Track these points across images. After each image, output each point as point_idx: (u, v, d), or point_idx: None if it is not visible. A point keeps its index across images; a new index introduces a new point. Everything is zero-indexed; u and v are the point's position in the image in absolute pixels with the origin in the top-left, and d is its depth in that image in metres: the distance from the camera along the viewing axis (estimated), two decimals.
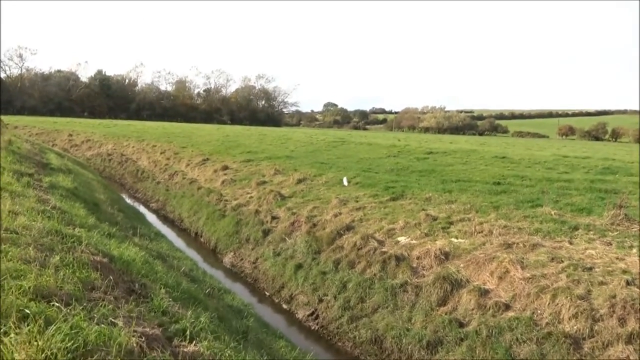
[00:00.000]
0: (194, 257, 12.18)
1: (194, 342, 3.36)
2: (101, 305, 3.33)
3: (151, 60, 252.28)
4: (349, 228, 11.53)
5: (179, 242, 14.78)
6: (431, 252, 9.47)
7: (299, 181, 16.89)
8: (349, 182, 15.68)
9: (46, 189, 9.90)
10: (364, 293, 9.32)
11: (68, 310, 2.98)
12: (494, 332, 7.30)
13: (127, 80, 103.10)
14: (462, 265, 9.05)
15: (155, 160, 27.56)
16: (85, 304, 3.26)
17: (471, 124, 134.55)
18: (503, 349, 6.99)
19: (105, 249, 5.54)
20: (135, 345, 2.82)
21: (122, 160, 30.69)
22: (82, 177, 15.95)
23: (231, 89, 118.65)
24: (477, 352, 7.18)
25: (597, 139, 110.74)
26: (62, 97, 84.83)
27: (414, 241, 10.29)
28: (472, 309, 7.97)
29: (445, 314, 8.07)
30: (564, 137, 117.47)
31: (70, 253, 4.39)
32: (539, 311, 7.44)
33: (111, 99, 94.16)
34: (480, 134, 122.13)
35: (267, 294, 11.14)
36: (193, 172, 22.71)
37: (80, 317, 2.89)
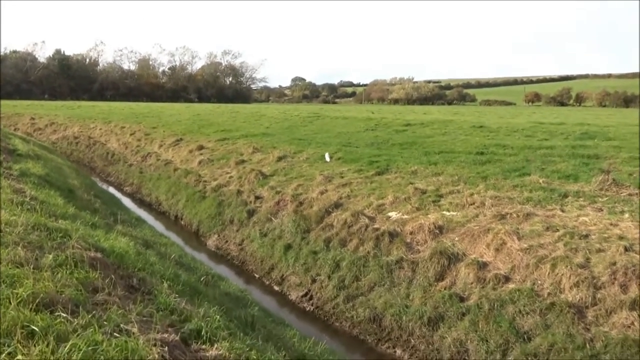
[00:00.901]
0: (177, 242, 11.76)
1: (214, 345, 3.07)
2: (110, 311, 2.99)
3: (112, 38, 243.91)
4: (337, 205, 11.29)
5: (158, 226, 14.29)
6: (425, 227, 9.32)
7: (280, 159, 16.51)
8: (331, 157, 15.39)
9: (17, 177, 9.31)
10: (359, 271, 9.14)
11: (77, 321, 2.64)
12: (495, 305, 7.22)
13: (87, 60, 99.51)
14: (456, 238, 8.94)
15: (125, 142, 26.65)
16: (91, 310, 2.92)
17: (440, 94, 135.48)
18: (507, 321, 6.92)
19: (95, 241, 5.14)
20: (157, 356, 2.51)
21: (89, 143, 29.63)
22: (52, 163, 15.20)
23: (197, 66, 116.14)
24: (480, 326, 7.10)
25: (562, 104, 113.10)
26: (20, 79, 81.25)
27: (405, 216, 10.13)
28: (472, 283, 7.87)
29: (445, 289, 7.96)
30: (530, 103, 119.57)
31: (62, 250, 4.00)
32: (539, 282, 7.39)
33: (72, 79, 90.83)
34: (449, 104, 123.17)
35: (257, 276, 10.86)
36: (167, 153, 22.02)
37: (95, 330, 2.55)
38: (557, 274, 7.30)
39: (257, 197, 13.47)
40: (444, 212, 9.91)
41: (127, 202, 17.54)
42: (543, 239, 8.14)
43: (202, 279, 6.49)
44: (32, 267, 3.31)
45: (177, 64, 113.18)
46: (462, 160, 13.49)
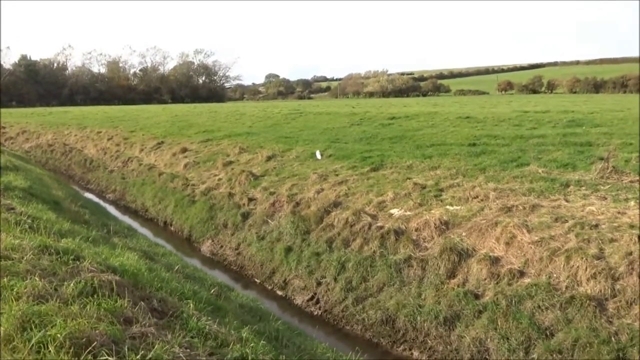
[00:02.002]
0: (170, 249, 11.34)
1: None
2: (152, 345, 2.68)
3: (80, 41, 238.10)
4: (336, 204, 11.04)
5: (147, 234, 13.82)
6: (430, 223, 9.14)
7: (269, 158, 16.17)
8: (322, 155, 15.11)
9: (1, 191, 8.79)
10: (366, 272, 8.91)
11: None
12: (513, 301, 7.07)
13: (55, 64, 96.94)
14: (464, 233, 8.78)
15: (103, 147, 25.91)
16: (132, 347, 2.60)
17: (414, 86, 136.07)
18: (526, 317, 6.77)
19: (103, 259, 4.78)
20: None
21: (65, 150, 28.75)
22: (32, 174, 14.57)
23: (169, 66, 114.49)
24: (499, 323, 6.94)
25: (534, 92, 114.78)
26: None
27: (408, 212, 9.94)
28: (485, 279, 7.72)
29: (458, 287, 7.79)
30: (503, 92, 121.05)
31: (77, 274, 3.65)
32: (554, 275, 7.27)
33: (40, 85, 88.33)
34: (424, 95, 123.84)
35: (257, 281, 10.55)
36: (149, 157, 21.44)
37: None
38: (573, 266, 7.18)
39: (250, 199, 13.12)
40: (448, 207, 9.74)
41: (111, 209, 16.99)
42: (553, 231, 8.02)
43: (212, 290, 6.15)
44: (56, 300, 2.96)
45: (149, 65, 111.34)
46: (455, 152, 13.38)
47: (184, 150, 20.27)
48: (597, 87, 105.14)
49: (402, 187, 11.09)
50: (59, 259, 4.03)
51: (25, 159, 23.25)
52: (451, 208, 9.69)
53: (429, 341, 7.39)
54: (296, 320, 8.59)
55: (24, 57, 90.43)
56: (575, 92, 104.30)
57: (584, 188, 9.68)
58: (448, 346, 7.18)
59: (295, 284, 9.73)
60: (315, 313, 8.94)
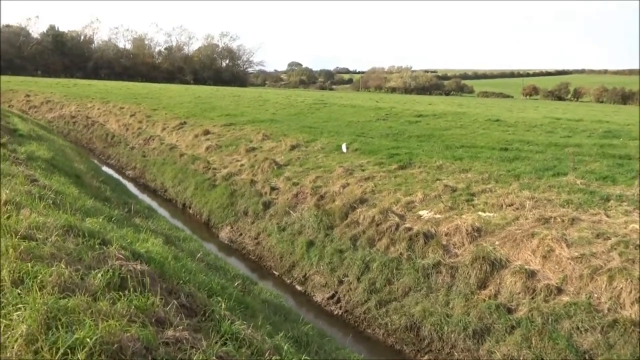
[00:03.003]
0: (189, 234, 11.10)
1: None
2: (186, 354, 2.38)
3: (107, 15, 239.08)
4: (362, 201, 10.68)
5: (165, 215, 13.62)
6: (462, 229, 8.74)
7: (292, 148, 15.83)
8: (348, 148, 14.72)
9: (24, 161, 8.61)
10: (391, 274, 8.56)
11: None
12: (550, 320, 6.68)
13: (82, 37, 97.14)
14: (497, 242, 8.37)
15: (125, 123, 25.78)
16: (166, 356, 2.30)
17: (437, 84, 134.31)
18: (563, 338, 6.38)
19: (128, 244, 4.49)
20: None
21: (88, 123, 28.73)
22: (55, 145, 14.42)
23: (193, 47, 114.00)
24: (533, 341, 6.56)
25: (559, 98, 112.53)
26: (12, 54, 78.98)
27: (438, 215, 9.54)
28: (519, 293, 7.32)
29: (489, 298, 7.41)
30: (527, 97, 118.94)
31: (104, 262, 3.36)
32: (595, 295, 6.84)
33: (66, 56, 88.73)
34: (447, 94, 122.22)
35: (276, 273, 10.27)
36: (171, 137, 21.24)
37: None
38: (616, 287, 6.75)
39: (272, 188, 12.82)
40: (480, 213, 9.32)
41: (130, 187, 16.84)
42: (594, 247, 7.57)
43: (236, 283, 5.85)
44: (83, 293, 2.67)
45: (174, 44, 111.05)
46: (487, 156, 12.89)
47: (206, 132, 20.02)
48: (625, 98, 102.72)
49: (431, 188, 10.68)
50: (85, 243, 3.74)
51: (47, 129, 23.23)
52: (484, 214, 9.27)
53: (456, 353, 7.04)
54: (315, 318, 8.27)
55: (52, 28, 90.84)
56: (602, 102, 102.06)
57: (625, 204, 9.17)
58: None
59: (316, 280, 9.43)
60: (336, 312, 8.63)
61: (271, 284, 9.71)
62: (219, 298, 4.03)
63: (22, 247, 3.05)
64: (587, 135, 15.96)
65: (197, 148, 18.33)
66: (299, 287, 9.58)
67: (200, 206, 14.02)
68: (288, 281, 9.87)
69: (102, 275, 3.05)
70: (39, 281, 2.69)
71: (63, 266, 2.90)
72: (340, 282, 9.04)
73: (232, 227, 12.42)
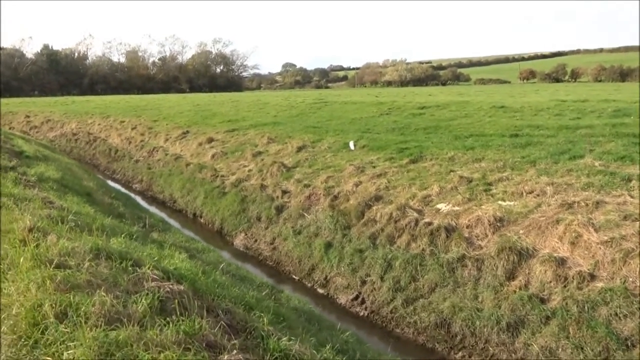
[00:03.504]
0: (206, 245, 10.96)
1: None
2: None
3: (100, 30, 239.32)
4: (377, 198, 10.52)
5: (177, 226, 13.49)
6: (483, 220, 8.58)
7: (299, 149, 15.68)
8: (355, 145, 14.56)
9: (36, 183, 8.47)
10: (415, 271, 8.40)
11: None
12: (586, 307, 6.50)
13: (76, 54, 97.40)
14: (521, 231, 8.20)
15: (128, 137, 25.68)
16: None
17: (433, 75, 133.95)
18: (602, 326, 6.21)
19: (155, 262, 4.35)
20: None
21: (90, 139, 28.65)
22: (61, 164, 14.30)
23: (187, 55, 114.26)
24: (570, 331, 6.38)
25: (557, 80, 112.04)
26: (9, 76, 79.06)
27: (456, 208, 9.38)
28: (550, 282, 7.15)
29: (520, 289, 7.24)
30: (525, 81, 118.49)
31: (141, 285, 3.22)
32: (630, 279, 6.66)
33: (61, 74, 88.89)
34: (443, 84, 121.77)
35: (296, 277, 10.12)
36: (174, 147, 21.11)
37: None
38: None
39: (283, 192, 12.67)
40: (500, 202, 9.15)
41: (139, 200, 16.73)
42: (623, 230, 7.39)
43: (264, 293, 5.71)
44: (130, 322, 2.53)
45: (167, 54, 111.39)
46: (499, 143, 12.71)
47: (210, 140, 19.89)
48: (624, 75, 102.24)
49: (446, 181, 10.52)
50: (118, 266, 3.60)
51: (51, 148, 23.13)
52: (504, 203, 9.10)
53: (490, 348, 6.87)
54: (342, 321, 8.11)
55: (46, 47, 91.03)
56: (600, 81, 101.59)
57: None
58: (513, 354, 6.66)
59: (338, 282, 9.28)
60: (361, 314, 8.48)
61: (292, 288, 9.56)
62: (257, 312, 3.87)
63: (59, 277, 2.91)
64: (597, 116, 15.76)
65: (203, 156, 18.19)
66: (320, 290, 9.43)
67: (212, 215, 13.88)
68: (309, 285, 9.73)
69: (143, 300, 2.91)
70: (83, 313, 2.55)
71: (104, 294, 2.76)
72: (363, 283, 8.88)
73: (246, 234, 12.27)
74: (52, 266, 3.12)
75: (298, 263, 10.33)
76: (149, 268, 3.58)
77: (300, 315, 5.58)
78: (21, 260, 3.19)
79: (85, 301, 2.67)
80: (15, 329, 2.39)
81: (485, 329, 7.02)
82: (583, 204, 8.37)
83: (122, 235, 5.50)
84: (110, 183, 19.36)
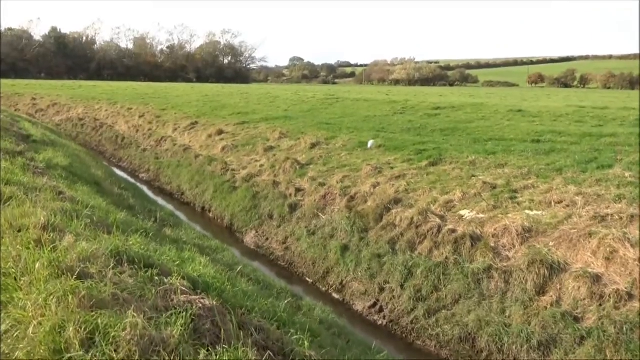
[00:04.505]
0: (219, 243, 10.59)
1: None
2: None
3: (109, 15, 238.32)
4: (396, 201, 10.14)
5: (184, 219, 13.12)
6: (511, 229, 8.18)
7: (313, 146, 15.27)
8: (375, 144, 14.12)
9: (45, 170, 8.11)
10: (437, 280, 8.02)
11: None
12: (624, 329, 6.13)
13: (84, 38, 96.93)
14: (551, 243, 7.81)
15: (135, 125, 25.30)
16: None
17: (442, 75, 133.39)
18: None
19: (178, 267, 3.97)
20: None
21: (96, 125, 28.27)
22: (69, 149, 13.92)
23: (195, 45, 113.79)
24: (607, 354, 6.01)
25: (566, 85, 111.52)
26: (15, 57, 78.65)
27: (481, 215, 8.98)
28: (584, 299, 6.76)
29: (551, 306, 6.86)
30: (533, 85, 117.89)
31: (169, 299, 2.85)
32: None
33: (69, 58, 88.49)
34: (451, 85, 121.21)
35: (310, 280, 9.76)
36: (183, 137, 20.73)
37: None
38: None
39: (297, 190, 12.29)
40: (527, 212, 8.75)
41: (145, 190, 16.36)
42: None
43: (287, 301, 5.33)
44: (167, 351, 2.16)
45: (176, 42, 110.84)
46: (521, 149, 12.31)
47: (220, 132, 19.50)
48: (633, 83, 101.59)
49: (469, 186, 10.12)
50: (143, 275, 3.23)
51: (57, 133, 22.76)
52: (531, 213, 8.70)
53: None
54: (358, 329, 7.75)
55: (54, 30, 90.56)
56: (609, 88, 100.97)
57: None
58: None
59: (354, 288, 8.91)
60: (380, 323, 8.11)
61: (306, 291, 9.19)
62: (290, 329, 3.50)
63: (83, 290, 2.53)
64: (619, 124, 15.36)
65: (213, 149, 17.81)
66: (336, 295, 9.07)
67: (221, 210, 13.51)
68: (323, 289, 9.36)
69: (176, 320, 2.54)
70: (112, 339, 2.18)
71: (134, 314, 2.39)
72: (382, 290, 8.51)
73: (257, 232, 11.91)
74: (74, 276, 2.74)
75: (312, 265, 9.96)
76: (176, 278, 3.21)
77: (327, 327, 5.22)
78: (37, 266, 2.83)
79: (114, 323, 2.30)
80: (32, 355, 2.02)
81: (514, 346, 6.65)
82: (617, 217, 7.96)
83: (138, 233, 5.13)
84: (117, 171, 19.00)
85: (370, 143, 14.10)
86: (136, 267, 3.35)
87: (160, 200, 15.21)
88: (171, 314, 2.62)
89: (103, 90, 41.91)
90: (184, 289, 3.09)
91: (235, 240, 12.07)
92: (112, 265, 3.13)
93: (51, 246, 3.21)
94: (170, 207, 14.28)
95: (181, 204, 15.40)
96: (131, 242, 4.15)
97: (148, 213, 9.00)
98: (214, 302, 3.01)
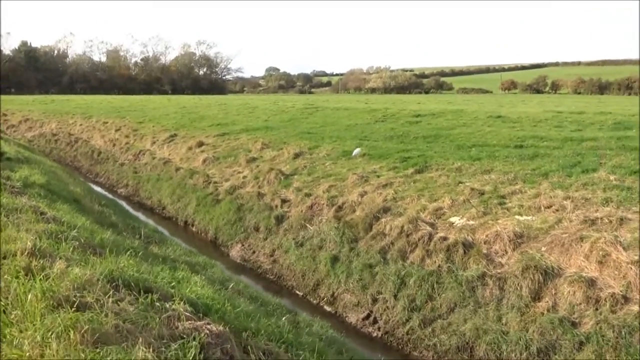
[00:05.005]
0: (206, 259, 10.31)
1: None
2: None
3: (81, 28, 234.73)
4: (385, 210, 10.04)
5: (167, 234, 12.80)
6: (503, 235, 8.15)
7: (296, 156, 15.13)
8: (360, 153, 14.01)
9: (22, 189, 7.77)
10: (431, 289, 7.93)
11: None
12: (622, 333, 6.11)
13: (55, 52, 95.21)
14: (543, 248, 7.79)
15: (111, 138, 24.82)
16: None
17: (417, 83, 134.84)
18: None
19: (172, 287, 3.77)
20: None
21: (71, 140, 27.66)
22: (44, 166, 13.48)
23: (170, 56, 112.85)
24: (607, 358, 5.98)
25: (538, 91, 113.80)
26: None
27: (471, 222, 8.94)
28: (580, 304, 6.73)
29: (548, 312, 6.82)
30: (506, 91, 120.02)
31: (174, 326, 2.66)
32: None
33: (40, 72, 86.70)
34: (426, 92, 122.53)
35: (299, 293, 9.57)
36: (162, 150, 20.38)
37: None
38: None
39: (283, 201, 12.10)
40: (517, 217, 8.75)
41: (125, 206, 15.96)
42: None
43: (284, 317, 5.15)
44: None
45: (150, 54, 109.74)
46: (505, 155, 12.36)
47: (201, 144, 19.21)
48: (602, 88, 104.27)
49: (457, 193, 10.09)
50: (143, 301, 3.02)
51: (30, 149, 22.13)
52: (521, 218, 8.69)
53: None
54: (358, 343, 7.58)
55: (24, 44, 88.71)
56: (579, 93, 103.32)
57: None
58: None
59: (347, 300, 8.76)
60: (374, 334, 7.96)
61: (297, 304, 8.99)
62: (297, 350, 3.33)
63: (83, 324, 2.32)
64: (598, 128, 15.59)
65: (193, 161, 17.52)
66: (328, 308, 8.89)
67: (205, 223, 13.23)
68: (314, 301, 9.18)
69: (186, 352, 2.35)
70: None
71: (143, 349, 2.20)
72: (375, 301, 8.37)
73: (243, 245, 11.68)
74: (72, 308, 2.52)
75: (301, 277, 9.78)
76: (178, 302, 3.02)
77: (329, 344, 5.05)
78: (29, 297, 2.60)
79: (121, 357, 2.10)
80: None
81: (513, 354, 6.57)
82: (606, 220, 8.00)
83: (127, 253, 4.89)
84: (94, 187, 18.51)
85: (356, 151, 14.02)
86: (134, 292, 3.15)
87: (141, 216, 14.86)
88: (179, 345, 2.44)
89: (77, 104, 41.11)
90: (187, 314, 2.90)
91: (221, 254, 11.81)
92: (110, 292, 2.92)
93: (42, 274, 2.98)
94: (151, 222, 13.94)
95: (162, 218, 15.06)
96: (122, 264, 3.93)
97: (132, 230, 8.71)
98: (221, 328, 2.83)
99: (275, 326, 3.78)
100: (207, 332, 2.71)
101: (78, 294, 2.74)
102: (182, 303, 3.04)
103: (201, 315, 3.17)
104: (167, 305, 3.02)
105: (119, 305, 2.79)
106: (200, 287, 4.13)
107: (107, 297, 2.81)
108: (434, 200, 10.02)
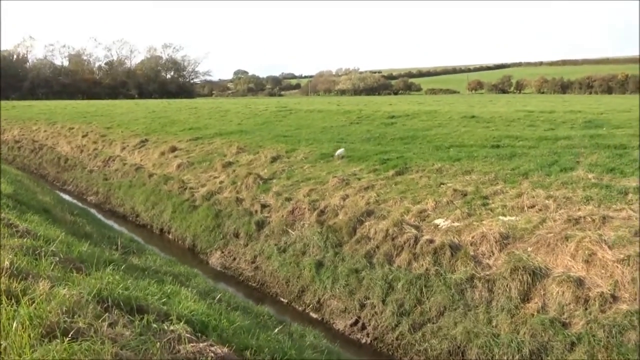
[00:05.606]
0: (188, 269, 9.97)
1: None
2: None
3: (42, 33, 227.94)
4: (368, 213, 9.91)
5: (143, 243, 12.37)
6: (489, 237, 8.12)
7: (274, 159, 14.89)
8: (342, 156, 13.83)
9: None
10: (420, 293, 7.83)
11: None
12: (613, 332, 6.12)
13: (15, 56, 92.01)
14: (529, 248, 7.80)
15: (79, 145, 24.05)
16: None
17: (385, 84, 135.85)
18: (634, 352, 5.82)
19: (163, 303, 3.53)
20: None
21: (35, 147, 26.70)
22: (10, 175, 12.87)
23: (136, 60, 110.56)
24: (599, 358, 5.97)
25: (503, 91, 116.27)
26: None
27: (456, 223, 8.90)
28: (569, 304, 6.73)
29: (538, 313, 6.79)
30: (473, 91, 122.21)
31: (176, 350, 2.43)
32: None
33: None
34: (395, 93, 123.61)
35: (284, 300, 9.34)
36: (133, 156, 19.81)
37: None
38: None
39: (263, 206, 11.86)
40: (501, 218, 8.75)
41: (95, 214, 15.39)
42: (638, 247, 7.12)
43: (277, 330, 4.94)
44: None
45: (115, 58, 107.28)
46: (483, 155, 12.42)
47: (173, 149, 18.76)
48: (564, 87, 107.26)
49: (439, 194, 10.05)
50: (139, 324, 2.77)
51: None
52: (505, 219, 8.70)
53: None
54: (347, 350, 7.41)
55: None
56: (543, 93, 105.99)
57: None
58: None
59: (333, 306, 8.58)
60: (363, 341, 7.81)
61: (282, 312, 8.77)
62: None
63: (82, 356, 2.07)
64: (570, 127, 15.89)
65: (167, 167, 17.07)
66: (314, 315, 8.70)
67: (182, 230, 12.86)
68: (300, 308, 8.97)
69: None
70: None
71: None
72: (362, 306, 8.23)
73: (222, 252, 11.37)
74: (64, 336, 2.26)
75: (285, 284, 9.56)
76: (176, 322, 2.78)
77: (327, 356, 4.86)
78: (14, 325, 2.32)
79: None
80: None
81: (505, 357, 6.52)
82: (589, 219, 8.06)
83: (109, 267, 4.60)
84: (62, 195, 17.83)
85: (339, 151, 13.84)
86: (127, 313, 2.90)
87: (114, 224, 14.36)
88: None
89: (40, 110, 39.80)
90: (188, 335, 2.68)
91: (200, 262, 11.47)
92: (103, 315, 2.67)
93: (26, 298, 2.69)
94: (125, 230, 13.48)
95: (136, 226, 14.59)
96: (108, 280, 3.66)
97: (108, 240, 8.34)
98: (226, 350, 2.62)
99: (275, 341, 3.58)
100: (212, 355, 2.50)
101: (68, 319, 2.48)
102: (180, 323, 2.81)
103: (199, 334, 2.94)
104: (165, 327, 2.78)
105: (113, 329, 2.55)
106: (192, 301, 3.88)
107: (100, 321, 2.57)
108: (417, 202, 9.95)
